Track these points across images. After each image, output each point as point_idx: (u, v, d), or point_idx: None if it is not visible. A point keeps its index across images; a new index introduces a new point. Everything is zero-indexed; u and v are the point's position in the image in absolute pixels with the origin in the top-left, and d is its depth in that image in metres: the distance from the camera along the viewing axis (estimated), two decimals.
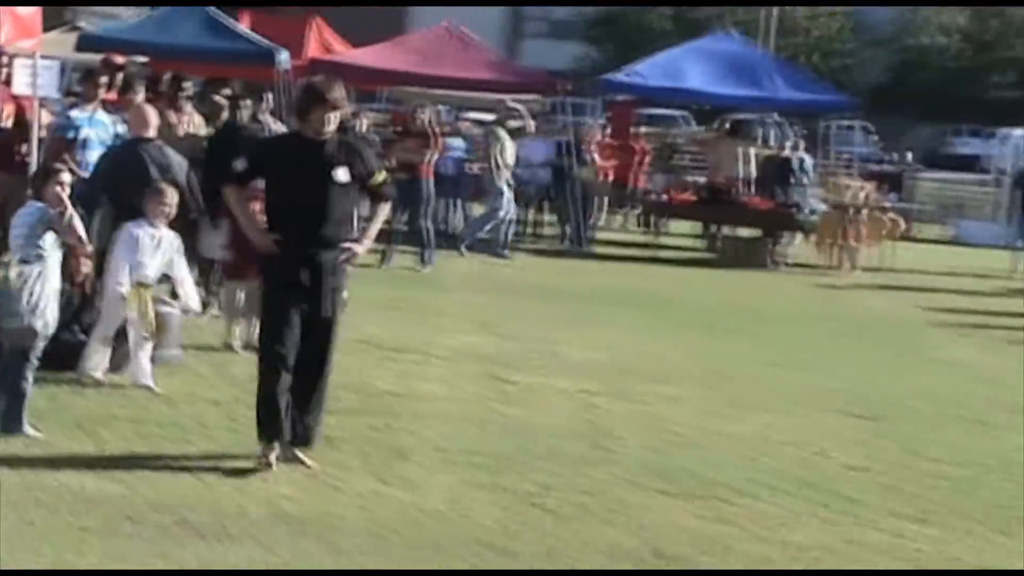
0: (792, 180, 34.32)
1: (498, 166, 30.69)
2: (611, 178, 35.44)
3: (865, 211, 33.39)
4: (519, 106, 35.23)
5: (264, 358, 12.57)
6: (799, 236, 33.92)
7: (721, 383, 18.68)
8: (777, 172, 34.47)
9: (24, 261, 12.74)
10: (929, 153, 53.89)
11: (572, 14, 73.77)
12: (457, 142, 32.43)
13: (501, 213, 30.83)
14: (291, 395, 12.49)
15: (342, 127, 22.21)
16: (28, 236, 12.84)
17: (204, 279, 19.36)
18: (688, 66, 37.66)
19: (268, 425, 12.43)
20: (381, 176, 12.91)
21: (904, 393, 19.09)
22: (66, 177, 13.58)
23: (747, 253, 32.38)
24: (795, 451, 15.32)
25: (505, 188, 30.68)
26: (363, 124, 25.74)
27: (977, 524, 13.07)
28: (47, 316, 12.85)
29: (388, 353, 18.33)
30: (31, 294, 12.66)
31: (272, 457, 12.38)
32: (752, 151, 34.93)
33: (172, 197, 14.84)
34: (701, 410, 16.94)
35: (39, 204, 13.17)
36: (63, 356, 14.56)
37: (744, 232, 33.22)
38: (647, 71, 38.62)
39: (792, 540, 12.17)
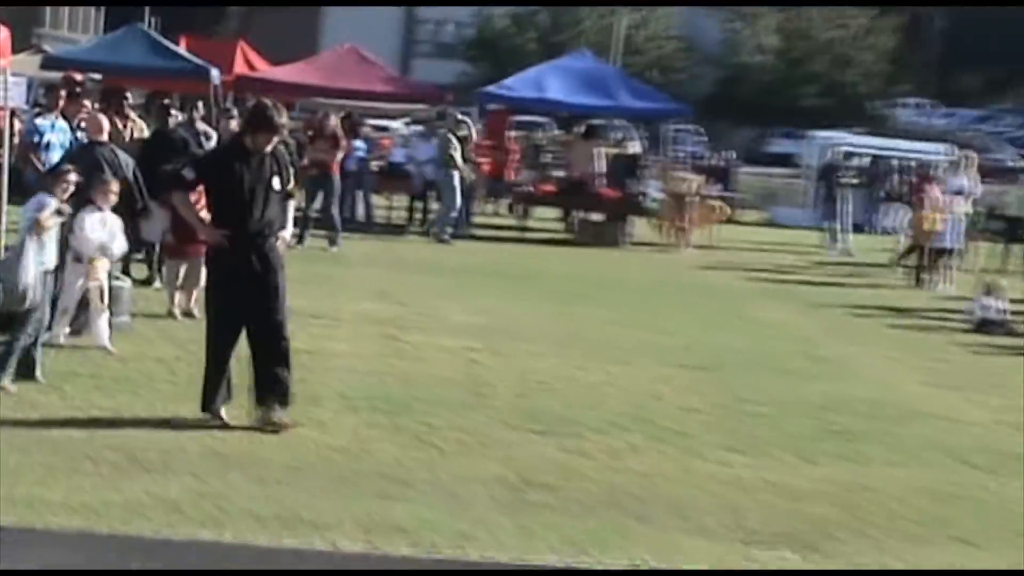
0: (637, 174, 34.56)
1: (455, 167, 30.82)
2: (487, 173, 35.49)
3: (696, 199, 33.63)
4: (466, 118, 35.37)
5: (215, 339, 12.56)
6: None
7: (577, 340, 18.82)
8: (624, 167, 34.65)
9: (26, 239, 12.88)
10: (749, 151, 54.18)
11: (455, 38, 73.87)
12: (360, 143, 32.41)
13: (457, 205, 30.98)
14: (260, 363, 12.46)
15: None
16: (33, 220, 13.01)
17: (148, 258, 19.46)
18: (550, 80, 37.79)
19: (217, 391, 12.42)
20: (292, 183, 13.00)
21: (727, 348, 19.29)
22: (72, 177, 13.86)
23: (599, 234, 32.48)
24: (638, 395, 15.51)
25: (456, 183, 30.80)
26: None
27: (785, 453, 13.30)
28: (37, 288, 12.91)
29: (303, 319, 18.29)
30: (25, 268, 12.73)
31: (223, 413, 12.41)
32: (603, 150, 35.05)
33: (115, 187, 14.85)
34: (560, 362, 17.10)
35: (48, 197, 13.35)
36: None
37: (597, 217, 33.32)
38: (516, 84, 38.78)
39: (637, 468, 12.37)
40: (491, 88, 39.55)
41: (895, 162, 43.14)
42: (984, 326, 22.92)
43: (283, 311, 12.58)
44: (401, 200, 33.68)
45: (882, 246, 33.64)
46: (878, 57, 71.86)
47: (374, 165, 33.28)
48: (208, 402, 12.52)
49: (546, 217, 34.03)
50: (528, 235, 33.09)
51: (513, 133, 39.55)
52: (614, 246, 31.85)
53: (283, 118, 12.76)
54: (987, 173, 44.98)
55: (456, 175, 30.90)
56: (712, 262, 30.27)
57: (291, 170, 13.01)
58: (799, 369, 18.27)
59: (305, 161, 26.61)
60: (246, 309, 12.44)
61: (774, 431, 14.25)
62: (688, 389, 16.13)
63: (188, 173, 12.67)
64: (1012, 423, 15.73)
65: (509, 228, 33.90)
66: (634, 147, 37.41)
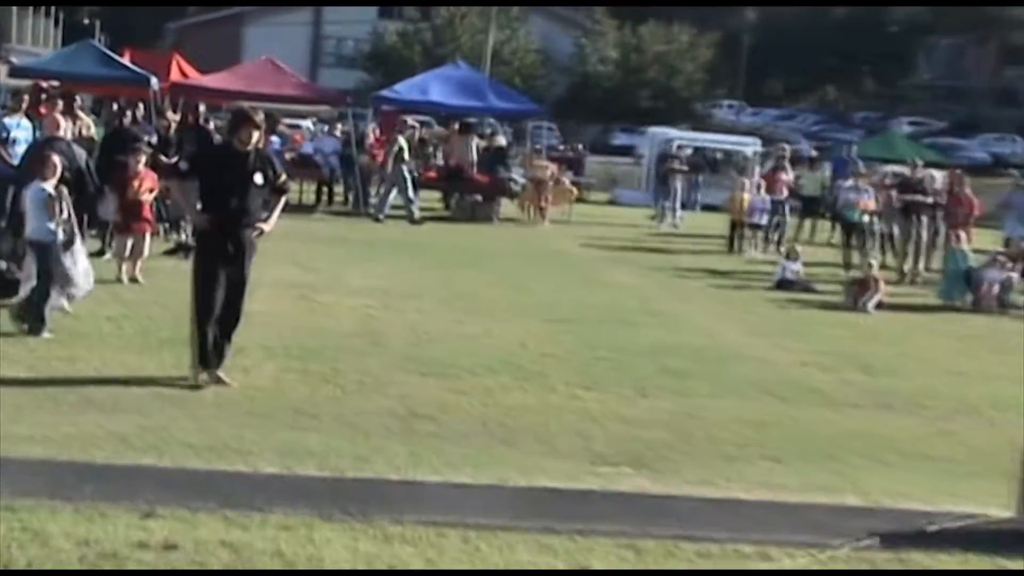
0: (504, 162, 34.61)
1: (403, 160, 30.99)
2: (381, 162, 35.42)
3: (553, 183, 33.73)
4: (415, 121, 35.39)
5: (200, 307, 12.16)
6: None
7: (457, 299, 18.82)
8: (493, 157, 34.65)
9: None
10: (596, 144, 54.38)
11: (354, 51, 73.62)
12: (275, 138, 32.32)
13: (395, 191, 31.03)
14: (216, 329, 12.19)
15: (202, 130, 22.20)
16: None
17: (101, 233, 19.25)
18: (432, 86, 37.80)
19: (202, 356, 12.08)
20: (283, 178, 12.72)
21: (580, 304, 19.37)
22: (57, 160, 14.14)
23: (474, 212, 32.48)
24: (505, 344, 15.54)
25: (407, 175, 30.98)
26: (211, 124, 25.70)
27: (626, 389, 13.38)
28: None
29: None
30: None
31: (201, 379, 12.06)
32: (476, 143, 35.05)
33: (54, 164, 14.48)
34: (443, 318, 17.11)
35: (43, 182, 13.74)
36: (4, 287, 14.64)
37: (471, 198, 33.31)
38: (404, 89, 38.76)
39: (504, 403, 12.40)
40: (384, 92, 39.61)
41: (718, 153, 43.56)
42: (785, 285, 23.17)
43: (243, 293, 12.32)
44: (310, 185, 33.47)
45: (703, 221, 33.90)
46: (698, 67, 72.37)
47: (288, 156, 33.17)
48: (199, 362, 12.12)
49: (430, 198, 33.97)
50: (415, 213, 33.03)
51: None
52: (486, 222, 31.87)
53: (259, 116, 12.54)
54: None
55: (404, 167, 30.98)
56: (567, 235, 30.34)
57: (278, 167, 12.78)
58: (638, 321, 18.38)
59: None
60: (223, 277, 12.16)
61: (617, 371, 14.33)
62: (547, 339, 16.17)
63: (183, 166, 12.56)
64: (810, 363, 15.95)
65: (399, 208, 33.77)
66: (501, 140, 37.39)
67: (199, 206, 12.35)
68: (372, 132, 35.69)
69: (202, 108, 26.13)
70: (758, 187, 31.06)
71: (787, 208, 30.73)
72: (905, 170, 30.20)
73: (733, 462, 10.77)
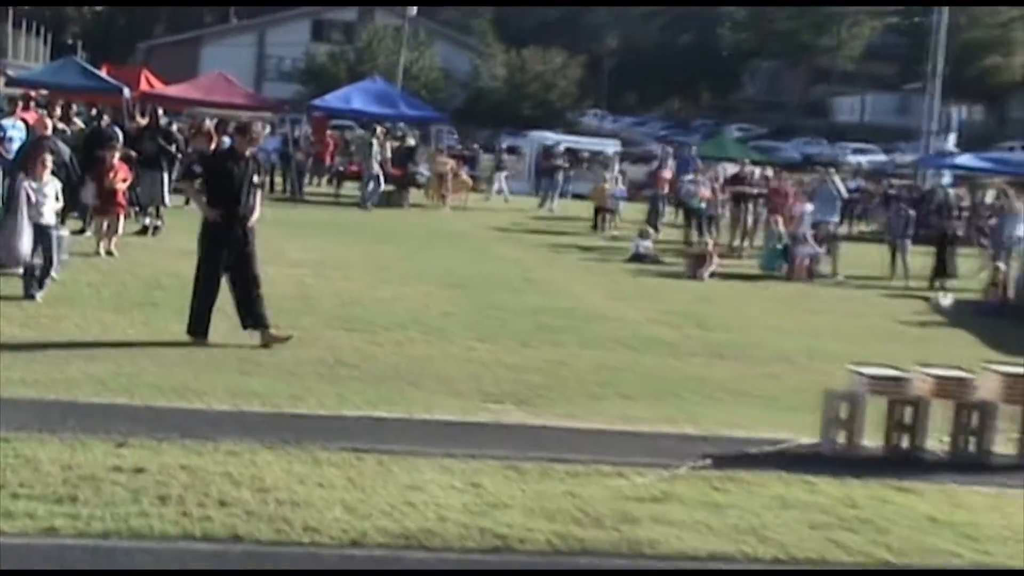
0: (413, 159, 34.48)
1: (375, 160, 31.11)
2: (313, 159, 35.22)
3: (452, 176, 33.71)
4: (379, 127, 35.52)
5: (204, 286, 11.95)
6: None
7: (376, 270, 18.75)
8: (404, 154, 34.49)
9: None
10: (487, 144, 54.15)
11: (292, 68, 72.89)
12: (227, 139, 31.89)
13: (372, 185, 30.93)
14: (243, 304, 11.96)
15: (164, 130, 21.86)
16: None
17: (82, 215, 18.92)
18: (355, 96, 37.77)
19: (202, 328, 11.88)
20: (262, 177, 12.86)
21: (476, 273, 19.40)
22: (49, 159, 13.98)
23: (389, 199, 32.36)
24: (414, 305, 15.54)
25: (378, 171, 31.12)
26: (175, 127, 25.33)
27: (511, 341, 13.44)
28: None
29: (188, 256, 17.90)
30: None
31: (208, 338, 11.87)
32: (390, 143, 34.87)
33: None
34: (364, 285, 17.03)
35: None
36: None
37: (387, 187, 33.13)
38: (332, 99, 38.76)
39: (412, 353, 12.40)
40: (315, 101, 39.66)
41: (585, 152, 43.54)
42: (638, 258, 23.31)
43: (257, 268, 12.13)
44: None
45: (572, 207, 33.98)
46: (570, 83, 72.51)
47: None
48: (194, 330, 11.88)
49: (352, 188, 33.79)
50: (341, 200, 32.79)
51: (330, 132, 39.21)
52: (399, 207, 31.76)
53: (258, 128, 12.67)
54: (640, 157, 45.83)
55: (375, 164, 31.13)
56: (464, 218, 30.34)
57: (262, 168, 12.73)
58: (520, 287, 18.43)
59: (189, 150, 26.37)
60: (231, 267, 11.96)
61: (504, 327, 14.37)
62: (447, 301, 16.17)
63: (197, 169, 12.29)
64: (658, 320, 16.09)
65: (329, 196, 33.61)
66: (411, 141, 37.26)
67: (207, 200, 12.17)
68: (307, 133, 35.43)
69: (161, 112, 26.18)
70: (616, 180, 31.26)
71: (666, 200, 30.74)
72: (736, 167, 30.58)
73: (595, 400, 10.85)
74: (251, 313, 12.05)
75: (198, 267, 12.11)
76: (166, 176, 20.78)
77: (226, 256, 11.93)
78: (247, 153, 12.24)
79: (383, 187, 31.51)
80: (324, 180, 36.73)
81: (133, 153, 20.01)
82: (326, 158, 36.55)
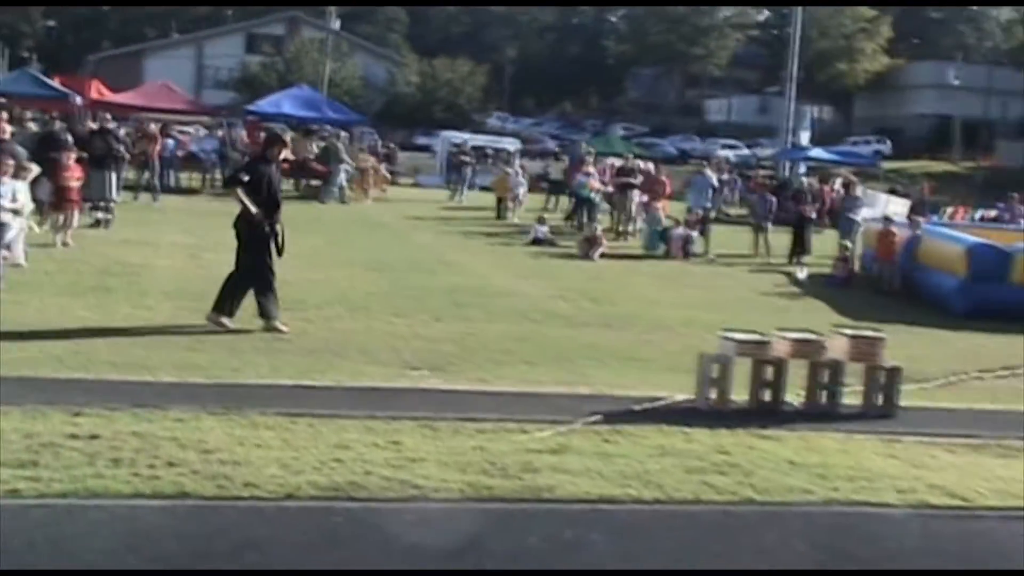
0: (340, 156, 34.20)
1: (340, 161, 31.24)
2: (248, 157, 34.79)
3: (373, 171, 33.49)
4: (343, 132, 35.32)
5: (255, 276, 11.77)
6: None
7: (305, 255, 18.36)
8: (328, 152, 34.21)
9: None
10: (404, 143, 53.83)
11: (228, 76, 71.69)
12: (170, 141, 31.46)
13: (339, 182, 31.09)
14: (263, 294, 11.80)
15: (112, 134, 21.39)
16: None
17: (39, 209, 18.50)
18: (284, 102, 37.58)
19: (232, 307, 11.72)
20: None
21: (396, 257, 19.29)
22: (11, 162, 13.97)
23: (315, 193, 32.04)
24: (340, 286, 15.43)
25: (343, 172, 31.35)
26: (122, 131, 24.92)
27: (426, 316, 13.39)
28: None
29: (139, 246, 17.74)
30: None
31: (226, 322, 11.61)
32: (315, 143, 34.50)
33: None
34: (295, 269, 16.54)
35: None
36: None
37: (314, 182, 32.81)
38: (264, 105, 38.44)
39: (339, 328, 12.32)
40: (250, 107, 39.21)
41: (489, 149, 43.48)
42: (537, 242, 23.37)
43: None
44: (196, 175, 32.62)
45: (478, 198, 33.93)
46: (476, 89, 72.38)
47: (179, 153, 32.37)
48: (223, 310, 11.68)
49: (285, 185, 33.48)
50: None
51: (263, 134, 38.71)
52: (323, 201, 31.48)
53: (288, 136, 12.94)
54: (537, 153, 45.84)
55: (341, 166, 31.28)
56: (384, 209, 30.12)
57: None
58: (434, 269, 18.38)
59: (136, 151, 26.26)
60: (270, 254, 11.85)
61: (420, 304, 14.32)
62: (370, 282, 16.09)
63: (242, 176, 11.95)
64: (555, 296, 16.14)
65: None
66: (341, 141, 37.02)
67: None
68: (242, 135, 34.97)
69: (109, 117, 25.87)
70: (516, 173, 31.26)
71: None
72: (621, 161, 30.68)
73: (501, 366, 10.87)
74: (267, 302, 11.86)
75: (242, 259, 11.90)
76: (114, 175, 20.55)
77: (269, 246, 11.80)
78: (279, 158, 12.26)
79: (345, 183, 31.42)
80: None
81: (84, 154, 19.64)
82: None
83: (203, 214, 24.42)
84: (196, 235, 20.10)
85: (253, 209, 11.69)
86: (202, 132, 37.96)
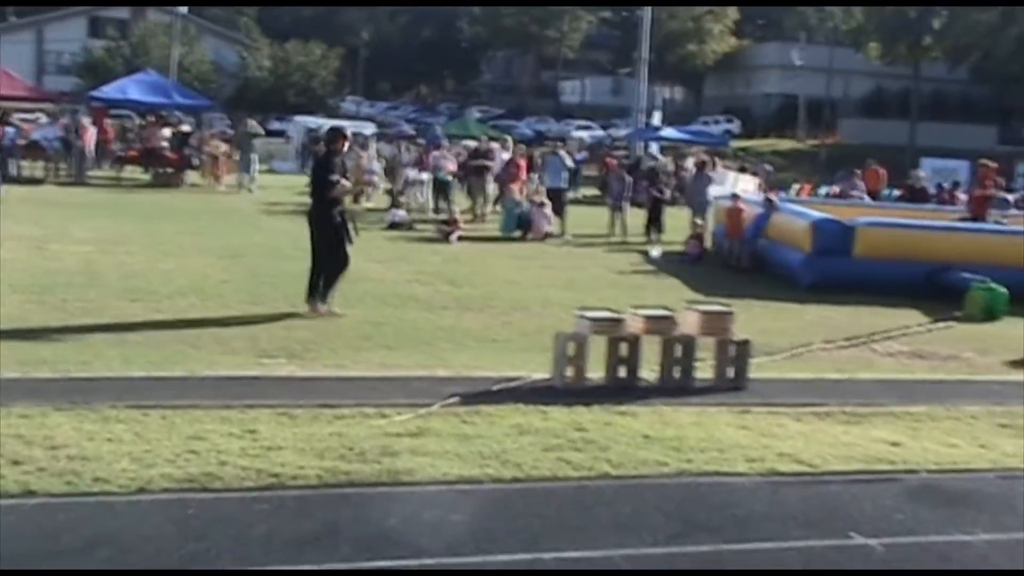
0: (188, 143, 33.54)
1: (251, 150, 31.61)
2: (93, 144, 33.84)
3: (225, 158, 32.92)
4: (251, 122, 34.61)
5: (341, 262, 12.73)
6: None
7: (156, 244, 18.14)
8: (179, 139, 33.52)
9: None
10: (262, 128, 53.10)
11: (70, 62, 69.49)
12: (10, 129, 30.44)
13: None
14: (327, 276, 12.72)
15: None
16: None
17: None
18: (131, 88, 36.66)
19: (330, 292, 12.70)
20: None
21: (248, 244, 18.99)
22: None
23: (167, 181, 31.41)
24: (193, 275, 15.10)
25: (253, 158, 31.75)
26: None
27: (282, 304, 13.21)
28: None
29: None
30: None
31: (336, 311, 12.60)
32: (167, 130, 33.78)
33: None
34: (146, 258, 16.47)
35: None
36: None
37: (165, 170, 32.11)
38: (110, 91, 37.54)
39: (192, 317, 12.12)
40: (94, 93, 38.19)
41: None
42: (394, 226, 23.29)
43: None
44: (38, 163, 31.58)
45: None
46: (330, 73, 71.61)
47: (20, 142, 31.28)
48: (320, 297, 12.63)
49: (135, 171, 32.63)
50: (123, 182, 31.59)
51: (109, 120, 37.67)
52: (177, 188, 30.82)
53: (349, 131, 14.09)
54: (393, 137, 45.61)
55: (252, 154, 31.45)
56: (237, 196, 29.67)
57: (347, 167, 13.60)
58: (290, 255, 17.89)
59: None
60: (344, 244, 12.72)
61: (275, 291, 14.13)
62: (224, 270, 15.82)
63: (332, 177, 12.66)
64: (413, 279, 16.15)
65: (112, 179, 32.32)
66: (186, 127, 36.10)
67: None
68: (86, 122, 33.93)
69: None
70: (372, 158, 31.09)
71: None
72: (476, 144, 30.75)
73: (359, 351, 10.82)
74: (327, 287, 12.66)
75: (331, 248, 12.64)
76: None
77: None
78: (343, 151, 13.06)
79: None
80: (106, 164, 35.35)
81: None
82: (108, 144, 35.24)
83: (48, 204, 23.71)
84: (42, 226, 19.50)
85: (345, 195, 12.99)
86: (44, 120, 36.83)
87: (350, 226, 12.83)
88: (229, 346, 10.63)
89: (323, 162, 13.20)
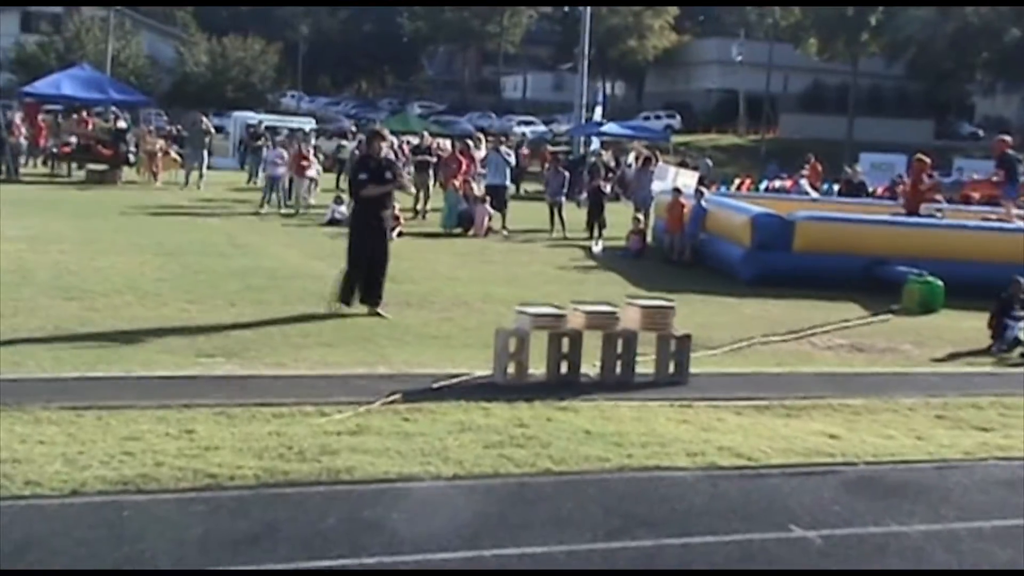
0: (124, 139, 33.11)
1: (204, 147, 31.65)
2: (29, 142, 33.33)
3: (162, 154, 32.59)
4: (204, 119, 34.12)
5: (385, 257, 13.00)
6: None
7: (90, 242, 17.88)
8: (116, 135, 33.09)
9: None
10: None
11: (2, 58, 68.32)
12: None
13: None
14: (370, 279, 12.87)
15: None
16: None
17: None
18: (64, 83, 36.12)
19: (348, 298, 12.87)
20: (401, 178, 13.77)
21: (184, 241, 18.76)
22: None
23: (102, 177, 31.01)
24: (128, 273, 14.91)
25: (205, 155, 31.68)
26: None
27: (220, 302, 13.11)
28: None
29: None
30: None
31: (381, 311, 12.79)
32: (101, 125, 33.36)
33: None
34: (80, 256, 16.22)
35: None
36: None
37: (100, 167, 31.70)
38: (42, 86, 36.99)
39: (128, 315, 11.93)
40: (26, 88, 37.66)
41: (284, 129, 42.74)
42: (333, 222, 23.11)
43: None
44: None
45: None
46: (269, 68, 71.29)
47: None
48: (346, 300, 12.82)
49: (67, 169, 32.20)
50: (56, 180, 31.19)
51: (42, 116, 37.13)
52: (113, 185, 30.44)
53: (386, 131, 14.67)
54: (333, 133, 45.35)
55: (205, 152, 31.64)
56: (174, 193, 29.37)
57: (396, 168, 13.55)
58: (228, 252, 17.98)
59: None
60: (370, 246, 12.78)
61: (213, 289, 14.00)
62: (159, 267, 15.62)
63: (362, 177, 12.79)
64: None
65: (45, 175, 31.84)
66: (122, 123, 35.65)
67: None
68: (17, 118, 33.41)
69: None
70: (311, 153, 30.81)
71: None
72: (416, 139, 30.64)
73: (299, 349, 10.73)
74: (373, 290, 12.83)
75: (371, 247, 12.82)
76: None
77: (369, 236, 12.78)
78: (380, 154, 13.15)
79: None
80: (39, 161, 34.83)
81: None
82: (40, 140, 34.75)
83: None
84: None
85: (389, 188, 12.89)
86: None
87: (386, 226, 13.11)
88: (166, 345, 10.49)
89: (357, 163, 13.61)
